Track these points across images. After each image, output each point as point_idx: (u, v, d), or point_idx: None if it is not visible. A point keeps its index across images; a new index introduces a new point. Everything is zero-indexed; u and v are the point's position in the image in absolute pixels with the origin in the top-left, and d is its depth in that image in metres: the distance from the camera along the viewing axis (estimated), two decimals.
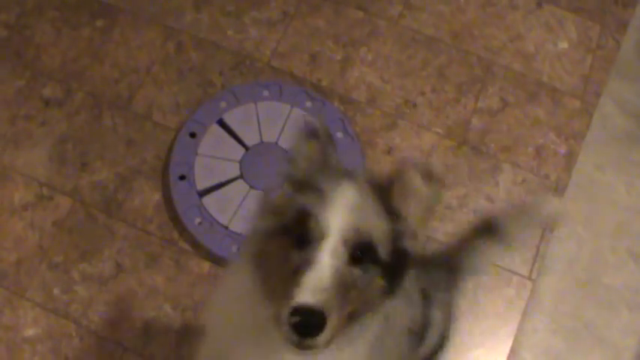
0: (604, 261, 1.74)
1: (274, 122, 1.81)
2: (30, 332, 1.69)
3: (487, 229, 1.26)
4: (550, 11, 1.96)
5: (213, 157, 1.77)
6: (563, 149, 1.83)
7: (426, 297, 1.20)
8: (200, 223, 1.72)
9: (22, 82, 1.91)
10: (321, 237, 0.88)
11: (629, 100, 1.87)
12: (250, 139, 1.79)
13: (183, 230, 1.75)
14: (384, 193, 0.94)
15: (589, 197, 1.79)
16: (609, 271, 1.73)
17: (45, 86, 1.91)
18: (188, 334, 1.68)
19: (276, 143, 1.79)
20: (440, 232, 1.76)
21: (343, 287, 0.86)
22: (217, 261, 1.73)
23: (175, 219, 1.76)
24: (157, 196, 1.80)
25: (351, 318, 0.91)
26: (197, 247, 1.74)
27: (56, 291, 1.72)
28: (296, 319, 0.83)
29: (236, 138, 1.79)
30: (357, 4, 1.98)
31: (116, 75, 1.91)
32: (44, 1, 2.00)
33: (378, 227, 0.91)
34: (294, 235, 0.90)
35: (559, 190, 1.79)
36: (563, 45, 1.94)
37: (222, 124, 1.80)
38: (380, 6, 1.97)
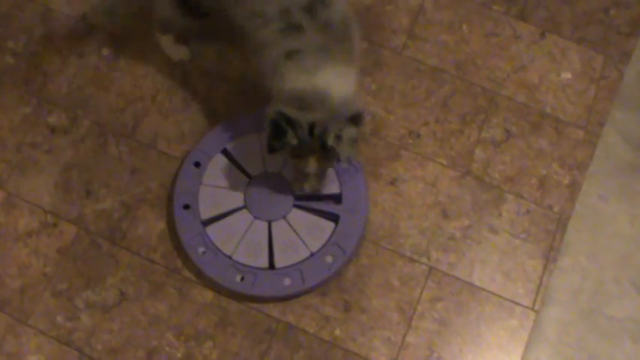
0: (607, 292, 1.80)
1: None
2: (32, 359, 1.75)
3: None
4: (553, 41, 2.04)
5: (218, 187, 1.84)
6: (566, 180, 1.89)
7: None
8: (204, 253, 1.79)
9: (28, 109, 1.99)
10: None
11: (632, 130, 1.94)
12: (254, 170, 1.86)
13: (186, 259, 1.82)
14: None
15: (592, 228, 1.85)
16: (613, 303, 1.79)
17: (51, 114, 1.99)
18: None
19: (280, 173, 1.85)
20: (443, 262, 1.82)
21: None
22: (220, 290, 1.79)
23: (179, 248, 1.83)
24: (161, 225, 1.87)
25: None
26: (200, 276, 1.81)
27: (60, 318, 1.79)
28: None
29: (240, 168, 1.86)
30: (361, 34, 2.05)
31: (121, 103, 1.99)
32: (51, 30, 2.09)
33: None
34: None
35: (562, 220, 1.85)
36: (567, 75, 2.01)
37: (226, 154, 1.87)
38: (384, 36, 2.05)
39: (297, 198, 1.83)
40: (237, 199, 1.83)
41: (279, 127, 1.55)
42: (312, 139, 1.55)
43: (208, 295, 1.80)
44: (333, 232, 1.80)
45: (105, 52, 2.05)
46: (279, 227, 1.80)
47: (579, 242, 1.84)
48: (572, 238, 1.84)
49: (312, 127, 1.54)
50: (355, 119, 1.56)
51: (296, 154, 1.60)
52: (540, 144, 1.93)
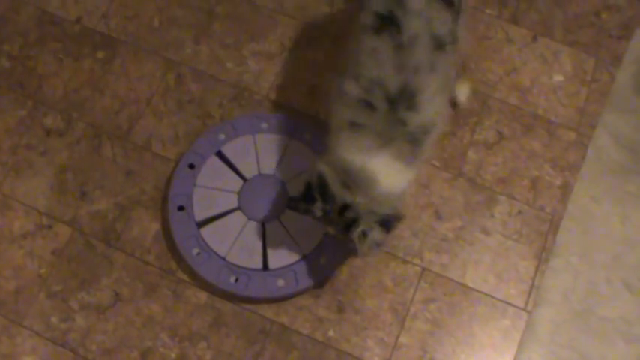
0: (599, 292, 1.82)
1: (272, 154, 1.90)
2: None
3: None
4: (545, 45, 2.06)
5: (212, 189, 1.86)
6: (558, 181, 1.92)
7: None
8: (198, 254, 1.80)
9: (24, 112, 2.01)
10: None
11: (623, 132, 1.96)
12: (248, 171, 1.88)
13: (181, 260, 1.84)
14: None
15: (584, 229, 1.87)
16: (605, 303, 1.81)
17: (46, 116, 2.01)
18: None
19: (274, 175, 1.88)
20: (436, 263, 1.84)
21: None
22: (214, 291, 1.81)
23: (173, 249, 1.85)
24: (155, 227, 1.89)
25: None
26: (195, 277, 1.83)
27: (54, 319, 1.80)
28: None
29: (234, 170, 1.88)
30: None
31: (116, 106, 2.02)
32: (47, 33, 2.11)
33: None
34: None
35: (554, 221, 1.87)
36: (559, 78, 2.03)
37: (220, 155, 1.90)
38: None
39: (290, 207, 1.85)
40: (231, 200, 1.85)
41: (310, 194, 1.53)
42: (338, 219, 1.52)
43: (202, 296, 1.82)
44: (327, 234, 1.82)
45: (100, 55, 2.08)
46: (272, 228, 1.82)
47: (571, 243, 1.86)
48: (564, 239, 1.86)
49: (343, 209, 1.50)
50: (387, 224, 1.51)
51: (318, 219, 1.57)
52: (532, 146, 1.96)
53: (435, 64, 1.50)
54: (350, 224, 1.51)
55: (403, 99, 1.47)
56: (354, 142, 1.51)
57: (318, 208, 1.52)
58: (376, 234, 1.51)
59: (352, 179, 1.50)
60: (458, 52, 1.66)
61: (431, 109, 1.51)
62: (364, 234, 1.51)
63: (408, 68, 1.47)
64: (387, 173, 1.50)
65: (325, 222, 1.56)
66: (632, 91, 2.01)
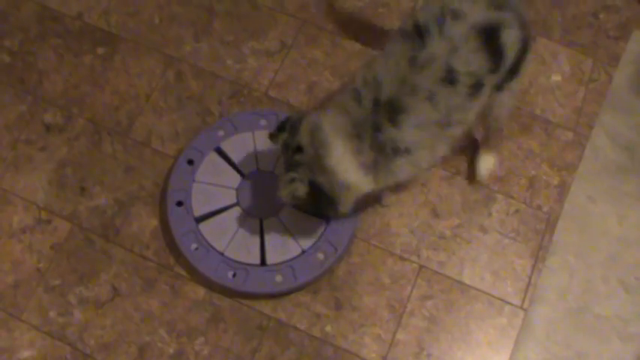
0: (596, 291, 1.83)
1: (270, 151, 1.91)
2: (25, 354, 1.78)
3: None
4: (543, 45, 2.08)
5: (211, 184, 1.88)
6: (555, 180, 1.93)
7: None
8: (196, 249, 1.82)
9: (24, 107, 2.03)
10: None
11: (620, 132, 1.98)
12: (247, 167, 1.89)
13: (179, 256, 1.85)
14: None
15: (581, 228, 1.89)
16: (601, 301, 1.82)
17: (46, 112, 2.02)
18: (182, 359, 1.77)
19: (272, 172, 1.89)
20: (433, 261, 1.85)
21: None
22: (212, 287, 1.83)
23: (172, 245, 1.86)
24: (154, 222, 1.90)
25: None
26: (193, 272, 1.84)
27: (52, 314, 1.82)
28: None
29: (233, 166, 1.90)
30: (355, 35, 2.10)
31: (116, 102, 2.03)
32: (47, 29, 2.12)
33: None
34: None
35: (551, 220, 1.89)
36: (557, 78, 2.05)
37: (219, 152, 1.91)
38: (377, 38, 2.09)
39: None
40: (229, 196, 1.86)
41: (284, 125, 1.65)
42: (288, 155, 1.63)
43: (200, 291, 1.83)
44: (325, 230, 1.83)
45: (100, 51, 2.09)
46: (271, 224, 1.84)
47: (568, 242, 1.88)
48: (560, 238, 1.88)
49: (296, 150, 1.60)
50: (314, 187, 1.59)
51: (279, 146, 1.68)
52: (530, 145, 1.97)
53: (436, 95, 1.47)
54: (291, 165, 1.62)
55: (387, 110, 1.49)
56: (335, 117, 1.56)
57: (282, 137, 1.64)
58: (300, 186, 1.59)
59: (317, 137, 1.56)
60: (492, 115, 1.69)
61: (411, 135, 1.51)
62: (292, 180, 1.59)
63: (407, 84, 1.47)
64: (341, 159, 1.55)
65: (281, 151, 1.68)
66: (630, 92, 2.03)
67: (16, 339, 1.80)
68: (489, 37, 1.46)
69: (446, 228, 1.89)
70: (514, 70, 1.56)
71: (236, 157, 1.90)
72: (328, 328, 1.80)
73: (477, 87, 1.49)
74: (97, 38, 2.11)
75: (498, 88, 1.58)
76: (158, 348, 1.78)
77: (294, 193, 1.60)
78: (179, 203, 1.85)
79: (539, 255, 1.86)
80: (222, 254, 1.81)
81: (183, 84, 2.05)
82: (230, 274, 1.80)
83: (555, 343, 1.79)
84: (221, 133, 1.93)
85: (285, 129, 1.64)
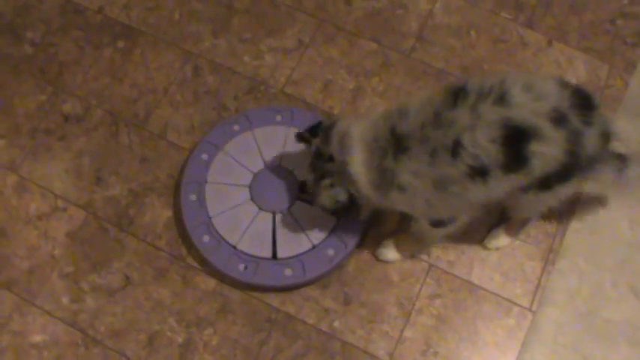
0: (605, 295, 1.85)
1: (276, 145, 1.96)
2: (37, 338, 1.83)
3: None
4: (560, 50, 2.11)
5: (223, 184, 1.92)
6: None
7: None
8: (208, 241, 1.86)
9: (43, 97, 2.09)
10: None
11: (634, 138, 2.00)
12: (261, 162, 1.94)
13: (191, 247, 1.89)
14: None
15: (592, 231, 1.91)
16: (610, 306, 1.84)
17: (65, 102, 2.08)
18: (191, 349, 1.81)
19: (287, 167, 1.93)
20: (443, 260, 1.88)
21: None
22: (223, 278, 1.87)
23: (184, 236, 1.91)
24: (167, 213, 1.95)
25: None
26: (204, 264, 1.88)
27: (65, 300, 1.86)
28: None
29: (247, 160, 1.94)
30: (371, 36, 2.14)
31: (134, 94, 2.08)
32: (69, 22, 2.19)
33: None
34: None
35: (562, 223, 1.91)
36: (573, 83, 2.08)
37: (235, 146, 1.95)
38: (393, 39, 2.14)
39: (302, 191, 1.90)
40: (243, 191, 1.91)
41: (316, 130, 1.71)
42: (319, 163, 1.67)
43: (211, 282, 1.87)
44: (335, 226, 1.87)
45: (120, 44, 2.15)
46: (282, 219, 1.88)
47: (578, 245, 1.90)
48: (571, 241, 1.90)
49: (329, 159, 1.63)
50: (352, 196, 1.63)
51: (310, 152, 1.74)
52: None
53: (437, 155, 1.47)
54: (325, 173, 1.66)
55: (397, 143, 1.51)
56: (364, 127, 1.59)
57: (314, 143, 1.70)
58: (341, 192, 1.64)
59: (344, 144, 1.60)
60: (516, 209, 1.71)
61: (407, 176, 1.51)
62: (332, 186, 1.64)
63: (422, 132, 1.48)
64: (359, 169, 1.59)
65: (311, 158, 1.71)
66: None
67: (28, 323, 1.85)
68: (515, 138, 1.42)
69: (456, 227, 1.91)
70: (546, 185, 1.52)
71: (251, 152, 1.95)
72: (336, 323, 1.83)
73: (479, 172, 1.45)
74: (118, 32, 2.17)
75: (523, 190, 1.54)
76: (167, 337, 1.83)
77: (336, 197, 1.64)
78: (193, 196, 1.90)
79: (549, 257, 1.88)
80: (234, 247, 1.85)
81: (201, 79, 2.10)
82: (241, 266, 1.83)
83: (563, 346, 1.81)
84: (236, 127, 1.97)
85: (318, 134, 1.69)
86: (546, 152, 1.43)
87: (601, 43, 2.12)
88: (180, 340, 1.82)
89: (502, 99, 1.42)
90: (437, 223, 1.69)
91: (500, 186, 1.49)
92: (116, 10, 2.19)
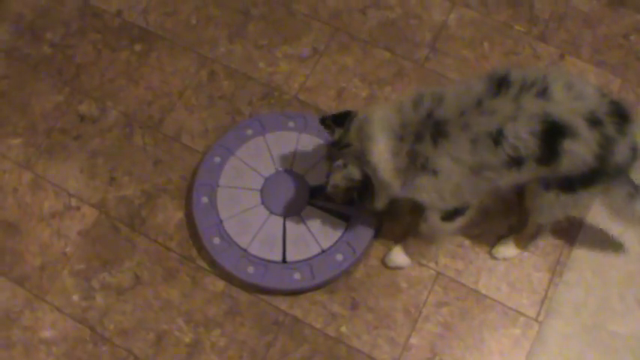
0: (611, 308, 1.87)
1: (287, 150, 2.00)
2: (47, 334, 1.86)
3: None
4: (572, 63, 2.14)
5: (235, 188, 1.95)
6: None
7: None
8: (219, 243, 1.89)
9: (60, 97, 2.13)
10: None
11: None
12: (273, 166, 1.97)
13: (201, 249, 1.93)
14: None
15: (600, 245, 1.93)
16: (616, 319, 1.86)
17: (82, 103, 2.13)
18: (198, 349, 1.83)
19: (298, 172, 1.96)
20: (451, 269, 1.90)
21: None
22: (232, 281, 1.90)
23: (195, 237, 1.94)
24: (179, 215, 1.98)
25: None
26: (214, 265, 1.91)
27: (75, 297, 1.90)
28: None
29: (260, 164, 1.97)
30: (385, 45, 2.18)
31: (149, 97, 2.13)
32: (87, 24, 2.24)
33: None
34: None
35: (570, 236, 1.93)
36: None
37: (247, 150, 1.99)
38: (407, 48, 2.17)
39: (312, 194, 1.93)
40: (254, 195, 1.94)
41: (342, 120, 1.72)
42: (337, 149, 1.71)
43: (220, 284, 1.90)
44: (345, 232, 1.89)
45: (137, 47, 2.20)
46: (293, 223, 1.91)
47: (586, 258, 1.92)
48: (579, 254, 1.92)
49: (345, 145, 1.68)
50: (366, 174, 1.65)
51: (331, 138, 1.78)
52: None
53: (479, 142, 1.50)
54: (339, 156, 1.70)
55: (435, 127, 1.54)
56: (386, 113, 1.62)
57: (336, 131, 1.73)
58: (353, 170, 1.67)
59: (365, 130, 1.63)
60: (535, 209, 1.72)
61: (443, 161, 1.54)
62: (345, 165, 1.67)
63: (463, 118, 1.51)
64: (381, 155, 1.61)
65: (331, 143, 1.76)
66: None
67: (39, 319, 1.88)
68: (552, 133, 1.46)
69: (465, 237, 1.94)
70: (569, 186, 1.56)
71: (263, 157, 1.98)
72: (343, 328, 1.86)
73: (516, 161, 1.50)
74: (135, 35, 2.22)
75: (546, 186, 1.59)
76: (175, 336, 1.85)
77: (349, 176, 1.67)
78: (205, 199, 1.93)
79: (556, 269, 1.90)
80: (245, 250, 1.88)
81: (216, 84, 2.14)
82: (250, 269, 1.86)
83: (568, 357, 1.83)
84: (249, 131, 2.01)
85: (341, 124, 1.71)
86: (577, 151, 1.46)
87: (614, 58, 2.15)
88: (187, 340, 1.85)
89: (544, 93, 1.45)
90: (448, 217, 1.72)
91: (530, 174, 1.54)
92: (134, 14, 2.24)
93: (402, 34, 2.20)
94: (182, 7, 2.26)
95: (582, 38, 2.18)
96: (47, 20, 2.24)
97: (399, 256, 1.90)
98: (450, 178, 1.57)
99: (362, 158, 1.63)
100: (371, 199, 1.71)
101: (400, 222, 1.95)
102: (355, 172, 1.66)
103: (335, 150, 1.71)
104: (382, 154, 1.60)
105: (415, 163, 1.57)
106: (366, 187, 1.67)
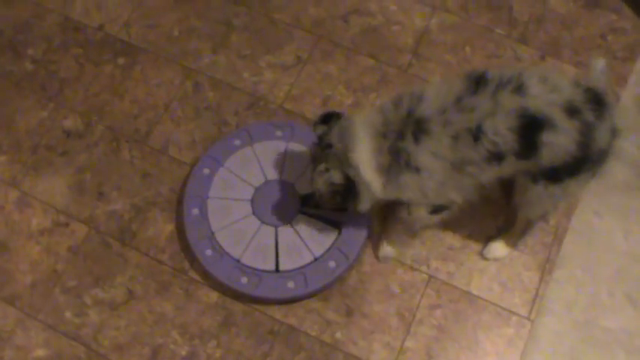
0: (602, 304, 1.90)
1: (277, 160, 2.00)
2: (40, 353, 1.84)
3: None
4: (553, 64, 2.17)
5: (225, 199, 1.95)
6: None
7: None
8: (211, 255, 1.89)
9: (45, 113, 2.12)
10: None
11: (628, 151, 2.05)
12: (263, 176, 1.97)
13: (193, 261, 1.92)
14: None
15: (588, 242, 1.96)
16: (607, 315, 1.89)
17: (66, 118, 2.11)
18: None
19: (288, 181, 1.97)
20: (443, 271, 1.92)
21: None
22: (226, 292, 1.89)
23: (187, 250, 1.93)
24: (169, 228, 1.98)
25: None
26: (206, 277, 1.91)
27: (68, 314, 1.88)
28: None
29: (249, 174, 1.97)
30: (369, 52, 2.19)
31: (135, 110, 2.12)
32: (69, 39, 2.22)
33: None
34: None
35: (559, 234, 1.96)
36: None
37: (236, 161, 1.99)
38: (390, 55, 2.19)
39: (303, 202, 1.94)
40: (245, 206, 1.94)
41: (327, 119, 1.73)
42: (320, 149, 1.72)
43: (214, 295, 1.90)
44: (337, 239, 1.90)
45: (120, 61, 2.19)
46: (285, 232, 1.91)
47: (575, 255, 1.95)
48: (568, 252, 1.95)
49: (327, 146, 1.67)
50: (348, 177, 1.65)
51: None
52: None
53: (459, 139, 1.52)
54: (322, 158, 1.70)
55: (416, 125, 1.56)
56: (369, 115, 1.65)
57: (321, 129, 1.73)
58: (335, 174, 1.67)
59: (347, 131, 1.65)
60: (523, 203, 1.74)
61: (425, 157, 1.57)
62: (327, 170, 1.68)
63: (444, 116, 1.53)
64: (363, 154, 1.63)
65: (315, 143, 1.76)
66: (637, 111, 2.10)
67: (31, 338, 1.86)
68: (529, 127, 1.49)
69: (455, 239, 1.96)
70: (556, 177, 1.59)
71: (252, 167, 1.98)
72: (338, 335, 1.86)
73: (496, 156, 1.53)
74: (118, 49, 2.21)
75: (533, 178, 1.62)
76: (171, 350, 1.85)
77: (330, 180, 1.67)
78: (195, 210, 1.92)
79: (546, 267, 1.93)
80: (237, 261, 1.88)
81: (201, 95, 2.14)
82: (243, 279, 1.86)
83: (561, 354, 1.85)
84: (237, 142, 2.01)
85: (326, 123, 1.73)
86: (558, 142, 1.49)
87: (593, 58, 2.18)
88: (183, 353, 1.84)
89: (520, 89, 1.49)
90: (436, 210, 1.75)
91: (511, 168, 1.57)
92: (116, 28, 2.23)
93: (384, 40, 2.22)
94: (163, 20, 2.25)
95: (561, 39, 2.21)
96: (28, 36, 2.22)
97: (385, 248, 1.93)
98: (432, 176, 1.59)
99: (344, 159, 1.64)
100: (354, 201, 1.72)
101: (379, 217, 1.97)
102: (337, 176, 1.67)
103: (318, 151, 1.73)
104: (364, 152, 1.62)
105: (398, 161, 1.59)
106: (349, 190, 1.68)
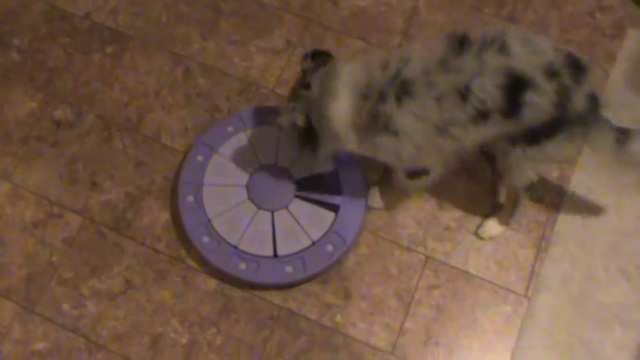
0: (597, 279, 1.91)
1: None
2: (39, 346, 1.83)
3: None
4: None
5: (220, 185, 1.94)
6: (556, 173, 2.02)
7: None
8: (209, 242, 1.88)
9: (34, 104, 2.09)
10: None
11: None
12: (257, 161, 1.97)
13: (190, 248, 1.91)
14: None
15: (582, 219, 1.97)
16: (602, 289, 1.90)
17: (56, 109, 2.08)
18: (195, 349, 1.82)
19: (283, 166, 1.96)
20: (440, 251, 1.92)
21: None
22: (224, 278, 1.89)
23: (183, 237, 1.92)
24: (165, 216, 1.96)
25: None
26: (204, 264, 1.90)
27: (65, 306, 1.87)
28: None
29: (244, 160, 1.96)
30: (359, 34, 2.18)
31: (126, 99, 2.09)
32: (56, 28, 2.19)
33: None
34: None
35: (553, 212, 1.97)
36: None
37: (230, 147, 1.98)
38: (380, 36, 2.18)
39: (299, 187, 1.93)
40: (240, 192, 1.93)
41: (318, 57, 1.74)
42: (299, 85, 1.72)
43: (212, 283, 1.89)
44: (334, 222, 1.90)
45: (109, 49, 2.16)
46: (281, 217, 1.90)
47: (569, 232, 1.96)
48: (562, 228, 1.96)
49: (306, 86, 1.68)
50: (309, 120, 1.67)
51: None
52: None
53: (445, 100, 1.54)
54: (295, 97, 1.73)
55: (400, 87, 1.57)
56: (355, 72, 1.65)
57: (307, 64, 1.73)
58: (299, 116, 1.68)
59: (329, 83, 1.66)
60: (507, 171, 1.76)
61: (407, 120, 1.58)
62: (294, 109, 1.70)
63: (428, 77, 1.55)
64: (340, 111, 1.64)
65: (299, 78, 1.76)
66: (626, 87, 2.12)
67: (30, 332, 1.84)
68: (514, 86, 1.51)
69: (451, 220, 1.96)
70: (534, 138, 1.61)
71: (246, 152, 1.97)
72: (338, 318, 1.86)
73: (482, 115, 1.55)
74: (106, 37, 2.17)
75: (512, 141, 1.63)
76: (171, 338, 1.84)
77: (292, 120, 1.68)
78: (190, 198, 1.91)
79: (541, 245, 1.94)
80: (235, 247, 1.87)
81: (192, 81, 2.12)
82: (242, 265, 1.86)
83: (559, 329, 1.87)
84: (230, 128, 2.00)
85: (315, 60, 1.73)
86: (538, 102, 1.53)
87: (581, 35, 2.19)
88: (184, 341, 1.84)
89: (503, 48, 1.51)
90: (412, 175, 1.79)
91: (494, 129, 1.59)
92: (103, 15, 2.20)
93: (374, 22, 2.20)
94: (151, 6, 2.22)
95: (550, 17, 2.21)
96: (13, 26, 2.19)
97: (375, 198, 1.96)
98: (411, 139, 1.61)
99: (314, 107, 1.66)
100: (314, 145, 1.74)
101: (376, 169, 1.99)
102: (299, 119, 1.68)
103: (297, 86, 1.73)
104: (342, 109, 1.63)
105: (377, 123, 1.61)
106: (308, 133, 1.70)
